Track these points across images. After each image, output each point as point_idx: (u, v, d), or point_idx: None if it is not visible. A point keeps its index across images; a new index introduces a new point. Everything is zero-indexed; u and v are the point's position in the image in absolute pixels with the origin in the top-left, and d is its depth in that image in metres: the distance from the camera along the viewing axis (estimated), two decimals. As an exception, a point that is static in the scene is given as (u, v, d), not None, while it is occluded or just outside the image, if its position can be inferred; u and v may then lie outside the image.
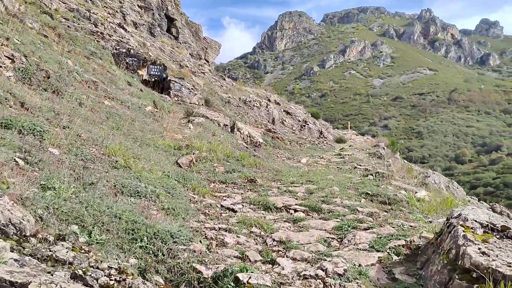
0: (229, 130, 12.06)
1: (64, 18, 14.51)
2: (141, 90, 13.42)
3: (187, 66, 24.17)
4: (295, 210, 4.86)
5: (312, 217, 4.62)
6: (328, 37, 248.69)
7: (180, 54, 27.76)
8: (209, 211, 4.58)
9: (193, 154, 6.85)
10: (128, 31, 17.60)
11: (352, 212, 4.74)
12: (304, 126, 23.13)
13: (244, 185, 5.97)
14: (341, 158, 15.09)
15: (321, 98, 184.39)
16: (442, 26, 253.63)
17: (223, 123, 11.90)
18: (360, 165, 13.42)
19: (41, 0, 13.71)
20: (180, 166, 6.18)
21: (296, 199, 5.34)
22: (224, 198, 5.30)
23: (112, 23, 17.07)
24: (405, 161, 28.40)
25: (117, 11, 30.78)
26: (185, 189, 5.19)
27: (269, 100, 27.31)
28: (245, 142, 12.27)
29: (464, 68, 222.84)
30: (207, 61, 38.10)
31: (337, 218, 4.44)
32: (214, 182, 6.04)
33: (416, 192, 5.75)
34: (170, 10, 34.74)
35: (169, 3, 34.78)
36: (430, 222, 4.55)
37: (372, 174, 7.02)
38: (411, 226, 4.24)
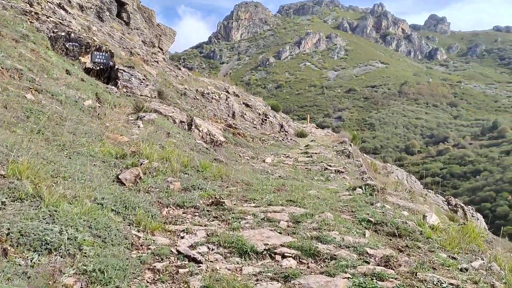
0: (186, 127, 10.51)
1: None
2: (82, 80, 11.54)
3: (138, 54, 22.17)
4: (283, 256, 3.42)
5: (309, 267, 3.25)
6: (284, 29, 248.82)
7: (131, 41, 25.60)
8: (159, 265, 3.09)
9: (141, 165, 5.29)
10: (70, 13, 15.50)
11: (361, 257, 3.43)
12: (265, 120, 21.84)
13: (208, 211, 4.47)
14: (308, 157, 13.90)
15: (277, 89, 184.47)
16: (393, 20, 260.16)
17: (179, 119, 10.32)
18: (331, 166, 12.28)
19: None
20: (123, 184, 4.63)
21: (280, 233, 3.91)
22: (181, 235, 3.80)
23: (51, 2, 14.91)
24: (365, 154, 27.84)
25: (60, -8, 28.09)
26: (125, 224, 3.67)
27: (227, 92, 25.78)
28: (204, 142, 10.78)
29: (413, 62, 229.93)
30: (161, 49, 35.88)
31: (345, 272, 3.08)
32: (168, 207, 4.52)
33: (424, 216, 4.57)
34: (120, -7, 32.23)
35: (119, -14, 32.26)
36: (465, 270, 3.33)
37: (361, 187, 5.81)
38: (451, 285, 2.97)
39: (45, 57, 11.05)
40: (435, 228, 4.30)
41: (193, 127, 10.54)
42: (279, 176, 8.81)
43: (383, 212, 4.72)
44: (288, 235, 3.81)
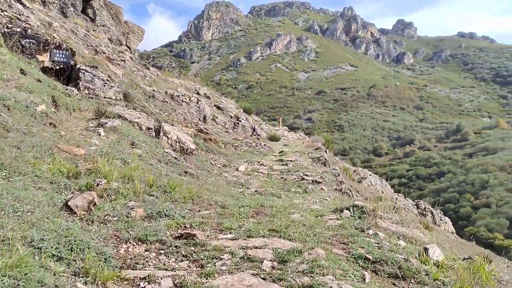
0: (154, 134, 9.64)
1: None
2: (39, 81, 10.51)
3: (104, 52, 21.04)
4: (270, 315, 2.76)
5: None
6: (255, 29, 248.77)
7: (96, 39, 24.36)
8: None
9: (97, 186, 4.46)
10: (28, 7, 14.33)
11: (366, 314, 2.83)
12: (238, 123, 21.12)
13: (176, 246, 3.68)
14: (283, 164, 13.27)
15: (248, 90, 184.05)
16: (362, 24, 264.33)
17: (146, 125, 9.45)
18: (307, 175, 11.70)
19: None
20: (73, 212, 3.82)
21: (264, 278, 3.18)
22: (141, 285, 3.03)
23: (6, -6, 13.70)
24: (335, 157, 27.51)
25: (21, -15, 26.53)
26: (69, 274, 2.85)
27: (198, 94, 24.92)
28: (174, 150, 9.95)
29: (382, 65, 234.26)
30: (129, 48, 34.58)
31: None
32: (127, 242, 3.68)
33: (426, 249, 3.98)
34: (86, -12, 30.80)
35: (85, -20, 30.83)
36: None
37: (348, 209, 5.18)
38: None
39: (-4, 54, 9.99)
40: (441, 265, 3.73)
41: (161, 134, 9.71)
42: (256, 191, 8.12)
43: (378, 244, 4.09)
44: (274, 281, 3.08)
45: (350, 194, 10.14)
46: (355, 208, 5.20)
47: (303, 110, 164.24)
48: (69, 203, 3.84)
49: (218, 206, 4.95)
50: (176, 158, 8.71)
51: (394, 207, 5.63)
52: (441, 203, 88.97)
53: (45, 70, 12.58)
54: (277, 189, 10.04)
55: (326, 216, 5.06)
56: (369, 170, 49.48)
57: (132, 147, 7.42)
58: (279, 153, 16.16)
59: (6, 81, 7.89)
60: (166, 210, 4.30)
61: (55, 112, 7.85)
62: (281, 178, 11.59)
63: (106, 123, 8.19)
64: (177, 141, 10.06)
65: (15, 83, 8.13)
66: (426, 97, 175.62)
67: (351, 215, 5.10)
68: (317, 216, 5.06)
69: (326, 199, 8.04)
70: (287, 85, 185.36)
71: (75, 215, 3.84)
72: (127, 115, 9.56)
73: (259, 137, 25.04)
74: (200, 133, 14.45)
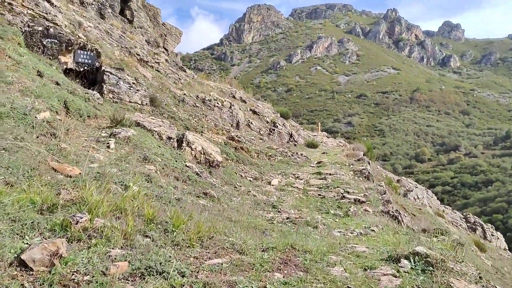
0: (176, 145, 8.60)
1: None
2: (57, 84, 9.71)
3: (137, 54, 20.40)
4: None
5: None
6: (295, 32, 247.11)
7: (131, 40, 23.84)
8: None
9: (76, 224, 3.40)
10: (56, 6, 13.70)
11: None
12: (274, 129, 19.91)
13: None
14: (321, 179, 11.95)
15: (287, 93, 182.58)
16: (406, 26, 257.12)
17: (167, 135, 8.39)
18: (348, 192, 10.34)
19: None
20: (29, 269, 2.77)
21: None
22: None
23: (33, -7, 13.11)
24: (377, 165, 25.72)
25: (60, -13, 26.46)
26: None
27: (233, 97, 23.92)
28: (197, 163, 8.87)
29: (426, 68, 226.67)
30: (166, 50, 34.13)
31: None
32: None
33: None
34: (124, -10, 30.53)
35: (123, -18, 30.57)
36: None
37: (408, 258, 3.89)
38: None
39: (12, 55, 9.25)
40: None
41: (184, 144, 8.64)
42: (287, 219, 6.88)
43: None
44: None
45: (399, 218, 8.70)
46: (416, 257, 3.90)
47: (343, 114, 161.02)
48: (22, 257, 2.78)
49: (234, 251, 3.77)
50: (198, 174, 7.60)
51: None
52: (488, 213, 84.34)
53: (68, 72, 11.85)
54: (314, 210, 8.78)
55: (377, 269, 3.78)
56: (411, 178, 46.98)
57: (144, 163, 6.37)
58: (317, 164, 14.82)
59: (10, 84, 7.03)
60: (160, 264, 3.12)
61: (60, 120, 6.91)
62: (319, 195, 10.30)
63: (120, 132, 7.20)
64: (202, 152, 8.97)
65: (20, 86, 7.27)
66: (473, 102, 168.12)
67: (411, 268, 3.80)
68: (365, 269, 3.79)
69: (373, 230, 6.69)
70: (327, 88, 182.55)
71: (31, 273, 2.78)
72: (146, 123, 8.55)
73: (296, 143, 23.74)
74: (231, 141, 13.35)
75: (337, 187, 10.66)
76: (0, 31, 9.88)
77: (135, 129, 8.08)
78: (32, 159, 4.77)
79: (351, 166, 13.96)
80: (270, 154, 14.14)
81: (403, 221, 8.73)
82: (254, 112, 23.28)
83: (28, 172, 4.33)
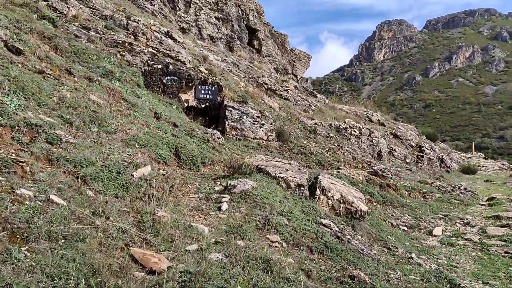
0: (307, 193, 6.78)
1: (83, 27, 10.49)
2: (174, 125, 8.74)
3: (265, 84, 19.43)
4: None
5: None
6: (431, 44, 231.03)
7: (259, 70, 23.14)
8: None
9: None
10: (179, 41, 13.24)
11: None
12: (422, 156, 16.92)
13: None
14: (503, 225, 8.96)
15: (425, 109, 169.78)
16: None
17: (296, 181, 6.62)
18: (552, 251, 7.28)
19: (36, 2, 9.76)
20: None
21: None
22: None
23: (158, 31, 12.82)
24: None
25: (192, 25, 27.34)
26: None
27: (370, 121, 21.45)
28: (336, 214, 6.90)
29: None
30: (295, 76, 33.15)
31: None
32: None
33: None
34: (252, 20, 30.60)
35: (251, 13, 30.68)
36: None
37: None
38: None
39: (128, 98, 8.52)
40: None
41: (317, 192, 6.78)
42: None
43: None
44: None
45: None
46: None
47: (493, 128, 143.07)
48: None
49: None
50: (337, 236, 5.62)
51: None
52: None
53: (190, 110, 10.99)
54: (507, 282, 6.13)
55: None
56: None
57: (265, 230, 4.62)
58: (487, 201, 11.64)
59: (112, 134, 5.99)
60: None
61: (166, 174, 5.59)
62: (506, 253, 7.48)
63: (236, 186, 5.63)
64: (341, 200, 6.98)
65: (124, 134, 6.20)
66: None
67: None
68: None
69: None
70: (471, 101, 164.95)
71: None
72: (269, 168, 6.90)
73: (449, 170, 20.18)
74: (374, 176, 11.08)
75: (532, 241, 7.66)
76: (118, 73, 9.32)
77: (256, 177, 6.48)
78: (103, 248, 3.34)
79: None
80: (424, 190, 11.46)
81: None
82: (396, 136, 20.47)
83: (99, 270, 2.88)
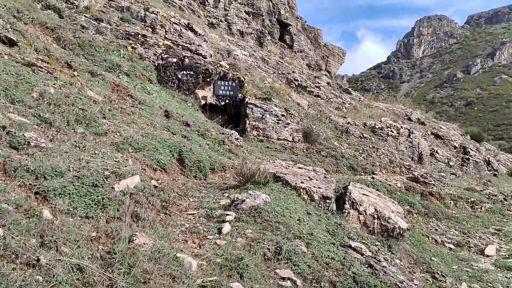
0: (333, 207, 5.63)
1: (95, 19, 9.71)
2: (187, 125, 7.79)
3: (295, 80, 18.29)
4: None
5: None
6: (473, 40, 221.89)
7: (289, 65, 21.98)
8: None
9: None
10: (200, 34, 12.30)
11: None
12: (468, 159, 15.36)
13: None
14: None
15: (466, 107, 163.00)
16: None
17: (321, 193, 5.49)
18: None
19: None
20: None
21: None
22: None
23: (178, 23, 11.93)
24: None
25: (221, 20, 26.48)
26: None
27: (409, 119, 19.91)
28: (368, 232, 5.75)
29: None
30: (329, 72, 31.71)
31: None
32: None
33: None
34: (283, 15, 29.42)
35: (282, 6, 29.51)
36: None
37: None
38: None
39: (135, 94, 7.64)
40: None
41: (347, 206, 5.64)
42: None
43: None
44: None
45: None
46: None
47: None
48: None
49: None
50: (370, 264, 4.49)
51: None
52: None
53: (208, 108, 10.03)
54: None
55: None
56: None
57: (276, 262, 3.55)
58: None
59: (101, 136, 5.07)
60: None
61: (159, 185, 4.61)
62: None
63: (244, 200, 4.57)
64: (376, 216, 5.82)
65: (116, 137, 5.27)
66: None
67: None
68: None
69: None
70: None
71: None
72: (289, 176, 5.81)
73: (496, 173, 18.41)
74: (414, 183, 9.79)
75: None
76: (127, 67, 8.45)
77: (272, 188, 5.41)
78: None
79: None
80: (472, 199, 10.05)
81: None
82: (437, 136, 18.87)
83: None
